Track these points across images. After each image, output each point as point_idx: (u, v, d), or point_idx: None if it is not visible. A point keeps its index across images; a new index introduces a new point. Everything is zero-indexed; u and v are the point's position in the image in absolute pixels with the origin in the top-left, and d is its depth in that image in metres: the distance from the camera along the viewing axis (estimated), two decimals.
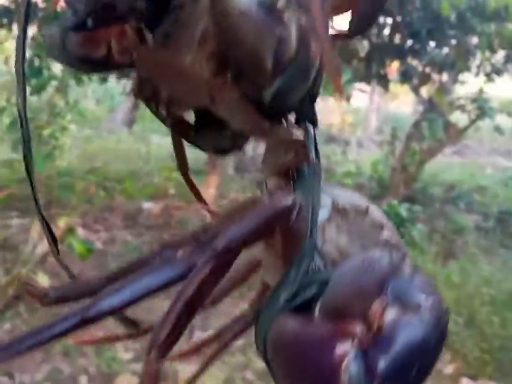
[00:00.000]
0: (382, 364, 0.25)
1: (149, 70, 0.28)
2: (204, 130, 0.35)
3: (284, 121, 0.33)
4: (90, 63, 0.31)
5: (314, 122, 0.35)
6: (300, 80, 0.32)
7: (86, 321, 0.27)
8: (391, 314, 0.26)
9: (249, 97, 0.30)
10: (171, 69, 0.28)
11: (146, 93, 0.33)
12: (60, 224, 2.47)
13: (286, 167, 0.34)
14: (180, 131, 0.37)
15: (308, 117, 0.34)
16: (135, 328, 0.38)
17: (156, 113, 0.35)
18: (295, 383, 0.28)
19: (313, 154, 0.34)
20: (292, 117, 0.34)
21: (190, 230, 0.34)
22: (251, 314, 0.43)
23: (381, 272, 0.27)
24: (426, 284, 0.27)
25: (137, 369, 1.86)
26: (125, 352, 1.93)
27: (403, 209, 2.99)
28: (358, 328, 0.26)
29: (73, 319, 0.27)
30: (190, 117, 0.36)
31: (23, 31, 0.32)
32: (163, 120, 0.36)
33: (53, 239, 0.35)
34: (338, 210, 0.34)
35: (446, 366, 1.95)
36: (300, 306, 0.31)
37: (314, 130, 0.35)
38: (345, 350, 0.25)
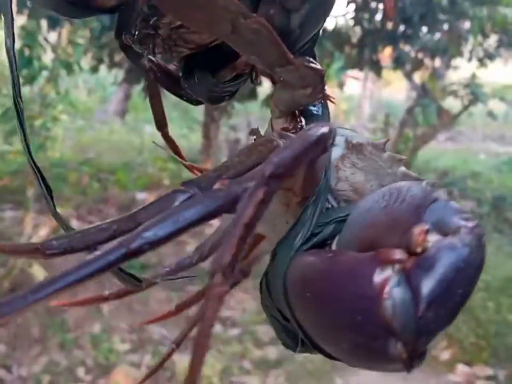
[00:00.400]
0: (427, 287, 0.24)
1: None
2: (195, 76, 0.34)
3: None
4: (72, 4, 0.29)
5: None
6: (326, 5, 0.31)
7: (130, 254, 0.26)
8: (433, 237, 0.25)
9: (275, 25, 0.29)
10: None
11: (143, 33, 0.32)
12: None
13: (299, 105, 0.34)
14: (164, 81, 0.36)
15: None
16: (136, 285, 0.37)
17: (138, 63, 0.34)
18: (330, 318, 0.27)
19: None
20: None
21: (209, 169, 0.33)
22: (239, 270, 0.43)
23: (415, 199, 0.27)
24: (461, 208, 0.27)
25: (134, 360, 1.86)
26: (121, 343, 1.93)
27: None
28: (398, 254, 0.25)
29: (117, 252, 0.26)
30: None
31: (11, 20, 0.31)
32: (146, 71, 0.35)
33: (49, 194, 0.34)
34: (352, 146, 0.34)
35: (441, 352, 1.96)
36: (317, 245, 0.31)
37: None
38: (386, 276, 0.25)
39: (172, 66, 0.37)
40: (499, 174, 4.41)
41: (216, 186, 0.29)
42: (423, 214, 0.26)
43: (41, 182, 0.33)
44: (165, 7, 0.28)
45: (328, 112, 0.36)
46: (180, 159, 0.46)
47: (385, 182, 0.33)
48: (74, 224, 2.55)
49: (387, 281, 0.25)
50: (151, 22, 0.32)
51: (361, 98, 7.04)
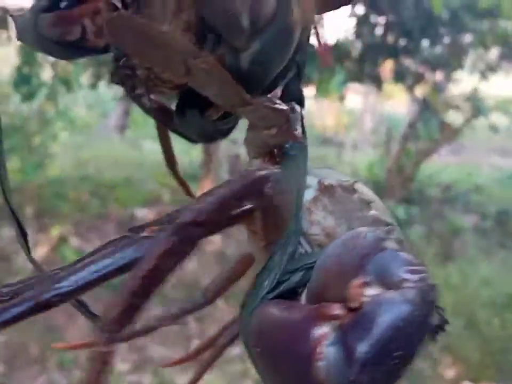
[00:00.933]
0: (362, 347, 0.22)
1: (120, 37, 0.25)
2: (186, 114, 0.33)
3: (266, 94, 0.31)
4: (64, 46, 0.29)
5: (301, 102, 0.33)
6: (280, 44, 0.30)
7: (40, 306, 0.25)
8: (371, 291, 0.24)
9: (227, 65, 0.28)
10: (143, 37, 0.25)
11: (122, 73, 0.31)
12: (53, 234, 2.44)
13: (269, 145, 0.33)
14: (162, 118, 0.35)
15: (294, 96, 0.33)
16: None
17: (138, 101, 0.33)
18: (271, 373, 0.26)
19: (300, 132, 0.33)
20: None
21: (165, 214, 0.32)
22: None
23: (362, 248, 0.25)
24: (412, 259, 0.25)
25: (134, 380, 1.84)
26: (122, 363, 1.91)
27: (400, 211, 2.97)
28: (336, 309, 0.24)
29: (26, 304, 0.25)
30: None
31: None
32: (145, 109, 0.34)
33: (23, 235, 0.33)
34: (324, 188, 0.33)
35: (447, 370, 1.94)
36: (285, 293, 0.29)
37: (301, 111, 0.33)
38: (322, 333, 0.24)
39: (167, 102, 0.36)
40: (503, 188, 4.39)
41: (144, 234, 0.27)
42: (367, 264, 0.24)
43: (17, 226, 0.33)
44: (122, 47, 0.27)
45: (306, 152, 0.34)
46: (191, 199, 0.43)
47: (355, 226, 0.32)
48: (74, 241, 2.54)
49: (323, 339, 0.23)
50: (121, 63, 0.31)
51: (362, 112, 7.04)
